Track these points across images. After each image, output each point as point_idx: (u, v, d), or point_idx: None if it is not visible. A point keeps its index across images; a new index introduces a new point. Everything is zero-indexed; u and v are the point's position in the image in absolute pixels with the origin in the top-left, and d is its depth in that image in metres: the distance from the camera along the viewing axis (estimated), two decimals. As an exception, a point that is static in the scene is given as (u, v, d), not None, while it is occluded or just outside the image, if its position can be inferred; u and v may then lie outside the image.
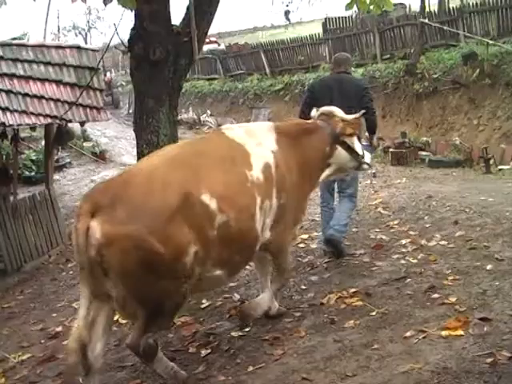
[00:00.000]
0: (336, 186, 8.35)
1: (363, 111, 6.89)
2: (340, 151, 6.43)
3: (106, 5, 6.41)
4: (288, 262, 6.42)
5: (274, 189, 5.63)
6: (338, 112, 6.59)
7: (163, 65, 7.73)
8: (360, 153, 6.53)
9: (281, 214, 5.74)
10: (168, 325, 5.67)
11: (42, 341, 7.67)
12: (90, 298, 4.78)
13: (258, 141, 5.83)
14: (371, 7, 8.41)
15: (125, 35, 8.36)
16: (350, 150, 6.44)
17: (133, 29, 7.74)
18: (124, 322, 7.54)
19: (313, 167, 6.35)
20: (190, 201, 4.89)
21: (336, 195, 8.53)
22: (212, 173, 5.22)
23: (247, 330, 6.18)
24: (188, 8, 7.93)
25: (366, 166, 6.80)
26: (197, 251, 4.87)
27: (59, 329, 7.94)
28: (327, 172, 6.52)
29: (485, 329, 4.69)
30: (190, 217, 4.86)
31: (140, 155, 7.93)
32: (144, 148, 7.85)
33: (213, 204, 5.02)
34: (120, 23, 8.22)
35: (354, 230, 9.10)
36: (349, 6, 8.33)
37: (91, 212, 4.66)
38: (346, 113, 6.77)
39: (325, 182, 7.63)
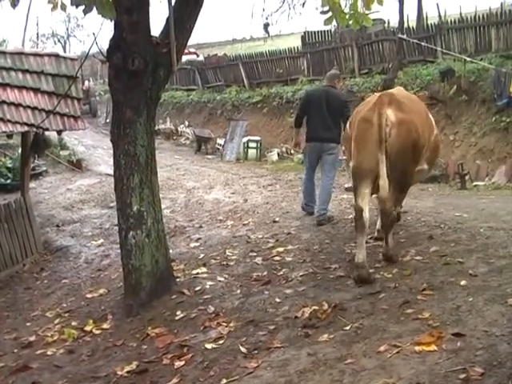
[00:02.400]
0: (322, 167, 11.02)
1: None
2: None
3: (85, 14, 6.42)
4: None
5: None
6: None
7: (142, 75, 7.73)
8: None
9: None
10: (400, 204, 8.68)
11: (15, 350, 7.61)
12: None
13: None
14: (350, 22, 8.48)
15: (104, 44, 8.37)
16: None
17: (112, 39, 7.74)
18: (97, 332, 7.55)
19: None
20: (427, 114, 8.28)
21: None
22: (421, 105, 8.55)
23: (221, 342, 6.19)
24: (167, 19, 7.95)
25: None
26: (426, 149, 7.84)
27: (32, 338, 7.90)
28: None
29: (458, 344, 4.70)
30: (427, 126, 7.96)
31: (117, 165, 7.93)
32: (121, 158, 7.84)
33: (432, 122, 8.40)
34: (99, 32, 8.21)
35: (329, 243, 9.14)
36: (328, 21, 8.40)
37: (388, 104, 7.33)
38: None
39: (311, 162, 11.07)
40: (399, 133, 7.17)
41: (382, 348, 4.97)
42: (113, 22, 7.37)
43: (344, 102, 11.28)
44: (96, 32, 8.21)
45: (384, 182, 7.08)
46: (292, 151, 23.61)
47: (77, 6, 6.32)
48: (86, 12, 6.33)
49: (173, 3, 8.02)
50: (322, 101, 10.78)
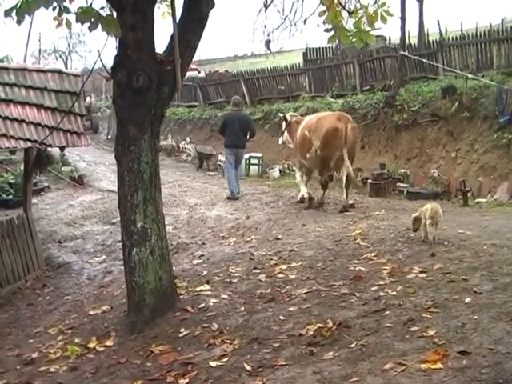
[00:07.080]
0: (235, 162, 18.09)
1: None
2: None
3: (91, 31, 6.41)
4: None
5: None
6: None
7: (146, 92, 7.75)
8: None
9: None
10: None
11: (18, 367, 7.58)
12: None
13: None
14: (354, 40, 8.51)
15: (107, 60, 8.37)
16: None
17: (116, 56, 7.76)
18: (101, 349, 7.51)
19: None
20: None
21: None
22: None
23: (225, 359, 6.16)
24: (172, 36, 7.98)
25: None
26: None
27: (35, 355, 7.87)
28: None
29: (464, 362, 4.68)
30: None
31: (121, 182, 7.93)
32: (125, 175, 7.84)
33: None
34: (103, 49, 8.24)
35: (332, 260, 9.13)
36: (331, 39, 8.45)
37: (347, 120, 13.81)
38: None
39: (231, 161, 17.94)
40: (353, 135, 13.75)
41: (387, 366, 4.94)
42: (117, 38, 7.40)
43: (250, 120, 19.55)
44: (99, 48, 8.23)
45: (348, 163, 13.54)
46: (294, 168, 23.84)
47: (82, 23, 6.33)
48: (91, 29, 6.33)
49: (177, 20, 8.05)
50: (235, 121, 17.88)
